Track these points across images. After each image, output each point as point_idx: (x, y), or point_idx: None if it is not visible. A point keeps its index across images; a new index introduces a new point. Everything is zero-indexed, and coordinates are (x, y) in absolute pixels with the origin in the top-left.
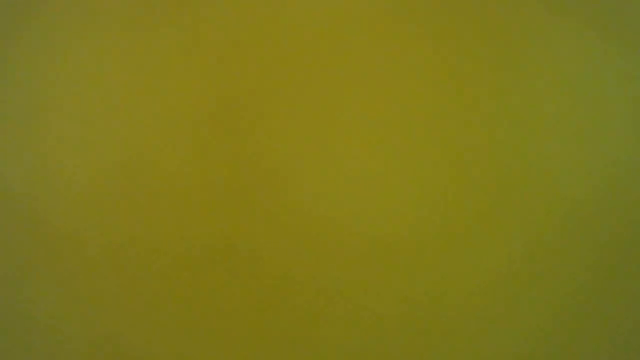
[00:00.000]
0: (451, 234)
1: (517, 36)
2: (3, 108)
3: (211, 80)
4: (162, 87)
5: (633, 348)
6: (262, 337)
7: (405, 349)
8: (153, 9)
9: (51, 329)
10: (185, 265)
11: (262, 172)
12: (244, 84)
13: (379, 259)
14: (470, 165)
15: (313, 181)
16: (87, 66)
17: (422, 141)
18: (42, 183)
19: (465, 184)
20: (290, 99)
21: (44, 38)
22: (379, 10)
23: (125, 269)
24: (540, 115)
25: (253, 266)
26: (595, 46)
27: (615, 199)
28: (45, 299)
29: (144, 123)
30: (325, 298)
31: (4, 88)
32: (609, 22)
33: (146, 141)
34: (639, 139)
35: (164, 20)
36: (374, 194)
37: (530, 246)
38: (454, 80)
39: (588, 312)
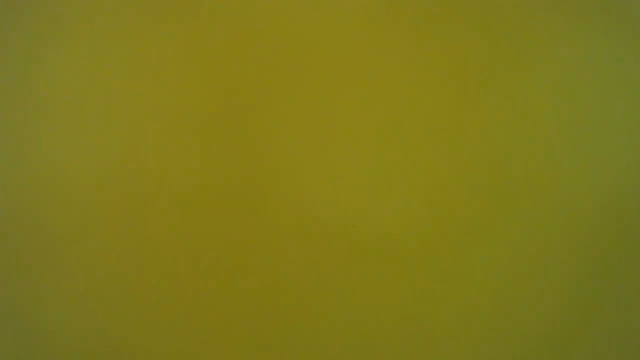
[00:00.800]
0: (451, 235)
1: (518, 37)
2: (3, 108)
3: (211, 81)
4: (162, 87)
5: (635, 352)
6: (262, 338)
7: (406, 349)
8: (153, 10)
9: (50, 329)
10: (185, 265)
11: (262, 172)
12: (244, 85)
13: (380, 259)
14: (471, 165)
15: (313, 182)
16: (87, 66)
17: (423, 142)
18: (42, 183)
19: (465, 184)
20: (290, 99)
21: (44, 38)
22: (379, 11)
23: (125, 270)
24: (541, 115)
25: (253, 266)
26: (599, 48)
27: (619, 201)
28: (45, 299)
29: (144, 123)
30: (325, 298)
31: (4, 88)
32: (611, 23)
33: (146, 141)
34: None
35: (164, 21)
36: (374, 194)
37: (531, 246)
38: (455, 81)
39: (588, 313)
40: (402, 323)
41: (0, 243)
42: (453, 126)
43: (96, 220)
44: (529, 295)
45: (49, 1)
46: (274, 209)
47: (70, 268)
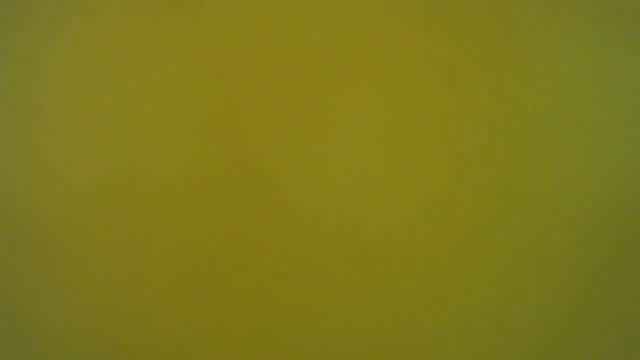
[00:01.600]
0: (452, 234)
1: (519, 37)
2: (3, 108)
3: (211, 81)
4: (162, 87)
5: (635, 352)
6: (262, 338)
7: (406, 349)
8: (153, 10)
9: (50, 330)
10: (184, 264)
11: (262, 172)
12: (244, 85)
13: (380, 258)
14: (471, 165)
15: (313, 181)
16: (87, 66)
17: (423, 142)
18: (42, 184)
19: (465, 184)
20: (290, 99)
21: (44, 38)
22: (379, 11)
23: (124, 269)
24: (542, 115)
25: (253, 266)
26: (600, 48)
27: (619, 202)
28: (45, 299)
29: (144, 123)
30: (325, 298)
31: (4, 88)
32: (612, 22)
33: (145, 141)
34: None
35: (163, 21)
36: (374, 194)
37: (532, 247)
38: (455, 81)
39: (588, 313)
40: (402, 323)
41: (0, 243)
42: (453, 126)
43: (96, 220)
44: (529, 295)
45: (49, 1)
46: (274, 209)
47: (70, 268)
